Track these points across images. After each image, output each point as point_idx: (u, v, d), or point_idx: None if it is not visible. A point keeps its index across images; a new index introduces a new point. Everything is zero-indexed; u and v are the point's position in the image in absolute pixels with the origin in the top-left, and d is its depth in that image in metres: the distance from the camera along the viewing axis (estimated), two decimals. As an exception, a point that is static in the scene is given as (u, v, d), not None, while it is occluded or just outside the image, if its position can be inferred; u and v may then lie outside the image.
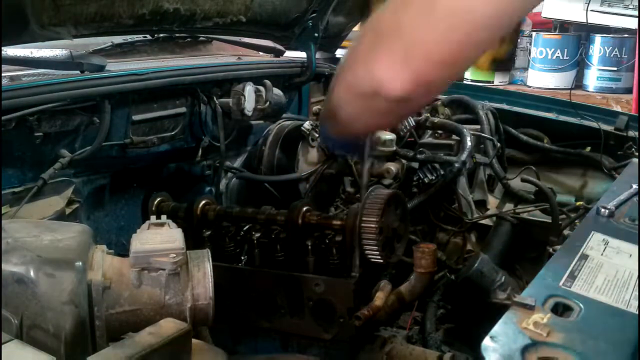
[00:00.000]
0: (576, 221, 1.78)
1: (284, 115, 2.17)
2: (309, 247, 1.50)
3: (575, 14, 4.18)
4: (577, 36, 4.44)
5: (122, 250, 1.06)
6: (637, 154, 2.06)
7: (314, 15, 2.24)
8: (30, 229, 0.97)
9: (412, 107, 1.23)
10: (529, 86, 4.53)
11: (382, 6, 0.97)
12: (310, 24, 2.26)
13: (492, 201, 2.14)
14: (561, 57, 4.35)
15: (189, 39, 2.21)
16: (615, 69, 4.26)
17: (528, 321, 0.84)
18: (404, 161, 1.95)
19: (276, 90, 1.99)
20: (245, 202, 2.03)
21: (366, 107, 1.03)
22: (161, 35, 2.09)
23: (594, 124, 2.16)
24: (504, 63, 4.49)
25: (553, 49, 4.37)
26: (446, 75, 0.93)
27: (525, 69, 4.62)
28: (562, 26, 4.52)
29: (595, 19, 4.01)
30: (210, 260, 1.02)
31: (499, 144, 2.10)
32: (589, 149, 2.16)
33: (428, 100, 1.06)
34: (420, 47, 0.89)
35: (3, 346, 0.72)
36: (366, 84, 0.95)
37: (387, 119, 1.15)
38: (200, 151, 1.93)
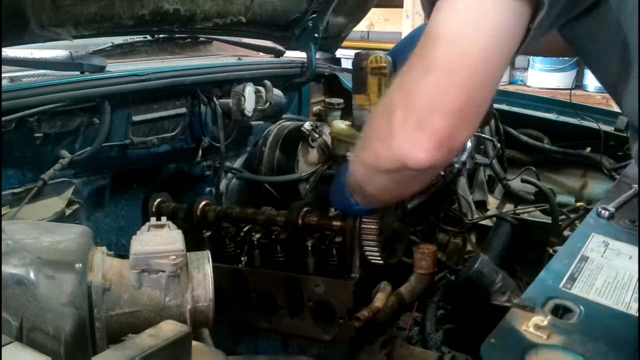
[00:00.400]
0: (576, 222, 1.78)
1: (284, 116, 2.17)
2: (309, 248, 1.49)
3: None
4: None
5: (122, 251, 1.06)
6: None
7: (314, 15, 2.24)
8: (30, 230, 0.97)
9: (440, 169, 1.22)
10: (529, 86, 4.53)
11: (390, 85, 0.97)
12: (310, 24, 2.26)
13: (492, 202, 2.14)
14: (561, 57, 4.33)
15: (189, 40, 2.21)
16: (615, 69, 4.25)
17: (528, 323, 0.85)
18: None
19: (276, 91, 1.99)
20: (245, 202, 2.03)
21: (392, 180, 1.03)
22: (161, 35, 2.10)
23: (593, 125, 2.15)
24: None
25: (553, 49, 4.36)
26: (463, 126, 0.90)
27: (525, 69, 4.62)
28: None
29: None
30: (211, 262, 1.02)
31: (499, 145, 2.10)
32: (589, 149, 2.16)
33: (453, 157, 1.05)
34: (430, 106, 0.88)
35: (3, 348, 0.71)
36: (389, 161, 0.95)
37: (416, 186, 1.15)
38: (200, 152, 1.93)
